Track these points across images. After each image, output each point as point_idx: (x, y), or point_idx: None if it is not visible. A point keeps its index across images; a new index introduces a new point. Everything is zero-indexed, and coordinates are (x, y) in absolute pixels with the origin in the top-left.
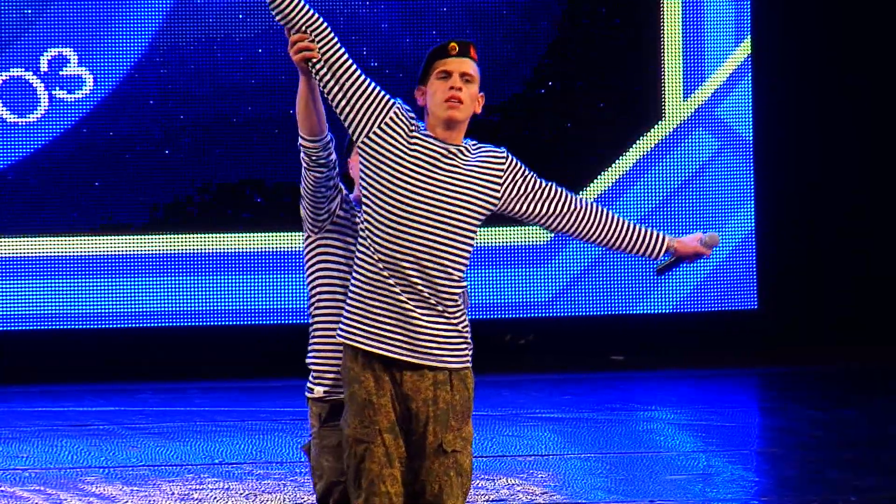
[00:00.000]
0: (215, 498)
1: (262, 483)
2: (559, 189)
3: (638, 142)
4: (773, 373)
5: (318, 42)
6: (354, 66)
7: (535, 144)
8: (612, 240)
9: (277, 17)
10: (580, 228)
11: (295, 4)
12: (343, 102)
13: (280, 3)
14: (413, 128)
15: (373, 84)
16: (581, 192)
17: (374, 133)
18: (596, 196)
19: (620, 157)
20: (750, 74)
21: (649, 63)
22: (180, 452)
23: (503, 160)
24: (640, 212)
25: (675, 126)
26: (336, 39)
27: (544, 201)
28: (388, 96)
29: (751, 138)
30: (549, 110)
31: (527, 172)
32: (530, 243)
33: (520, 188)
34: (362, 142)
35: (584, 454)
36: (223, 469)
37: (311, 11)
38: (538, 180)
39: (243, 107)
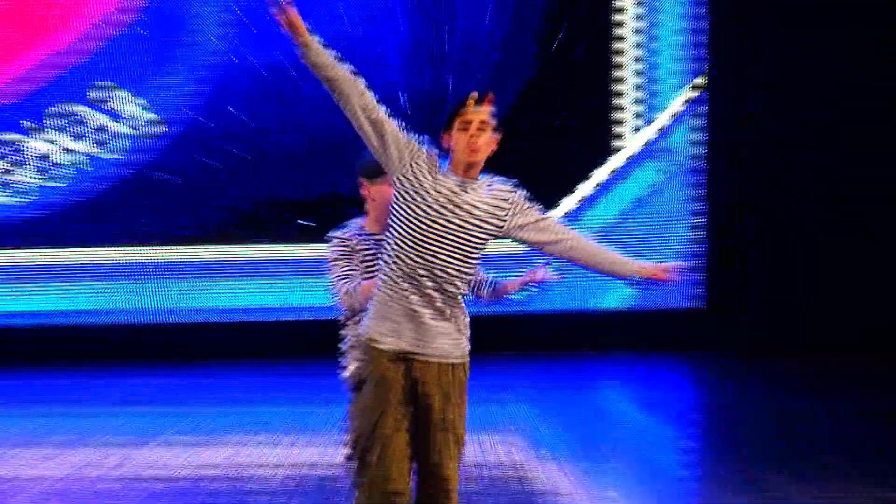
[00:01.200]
0: (263, 459)
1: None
2: (553, 222)
3: (595, 172)
4: (758, 373)
5: (355, 94)
6: (386, 115)
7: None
8: (593, 265)
9: (324, 82)
10: (566, 255)
11: (335, 73)
12: (379, 148)
13: (325, 73)
14: (437, 166)
15: (402, 130)
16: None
17: (407, 170)
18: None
19: (577, 186)
20: (707, 106)
21: (606, 95)
22: (230, 419)
23: (511, 197)
24: (599, 234)
25: (629, 157)
26: (369, 89)
27: (540, 231)
28: (414, 140)
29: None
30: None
31: (527, 206)
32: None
33: (521, 221)
34: (396, 177)
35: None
36: (268, 435)
37: (345, 71)
38: (537, 213)
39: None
